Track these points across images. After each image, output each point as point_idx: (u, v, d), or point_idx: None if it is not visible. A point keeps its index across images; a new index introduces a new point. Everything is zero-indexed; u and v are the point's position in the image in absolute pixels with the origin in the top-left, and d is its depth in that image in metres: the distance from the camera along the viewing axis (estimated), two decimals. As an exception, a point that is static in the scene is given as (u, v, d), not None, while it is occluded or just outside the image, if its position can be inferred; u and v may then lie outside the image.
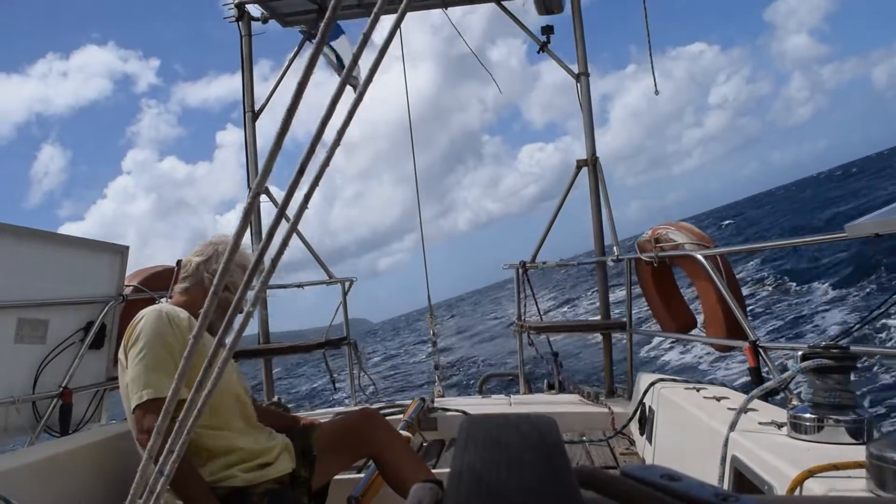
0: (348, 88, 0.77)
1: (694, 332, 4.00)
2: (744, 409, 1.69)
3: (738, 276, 3.68)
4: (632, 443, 3.13)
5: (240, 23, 4.66)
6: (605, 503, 0.41)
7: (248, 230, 4.03)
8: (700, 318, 3.78)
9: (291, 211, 0.78)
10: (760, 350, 2.58)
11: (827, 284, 13.57)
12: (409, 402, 3.66)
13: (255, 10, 4.69)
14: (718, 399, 2.24)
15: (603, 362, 4.23)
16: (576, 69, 4.36)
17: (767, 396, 2.07)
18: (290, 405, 4.21)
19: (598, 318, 4.37)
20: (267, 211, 4.62)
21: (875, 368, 7.49)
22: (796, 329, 11.29)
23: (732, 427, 1.67)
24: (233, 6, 4.63)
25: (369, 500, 2.27)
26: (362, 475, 2.36)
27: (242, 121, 4.72)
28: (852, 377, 1.52)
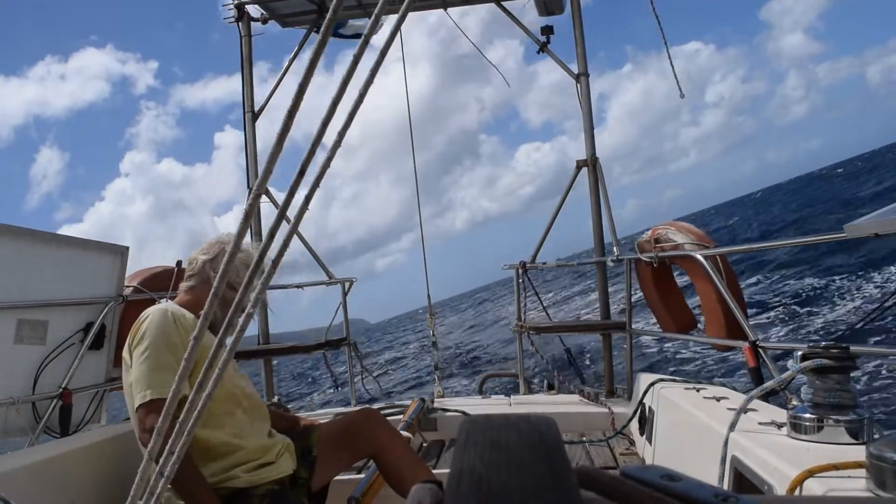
0: (348, 89, 0.77)
1: (694, 332, 4.00)
2: (744, 410, 1.69)
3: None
4: (632, 443, 3.13)
5: (239, 23, 4.66)
6: (605, 504, 0.41)
7: (249, 231, 4.03)
8: (700, 319, 3.78)
9: (292, 212, 0.79)
10: (760, 350, 2.58)
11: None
12: (408, 402, 3.66)
13: (254, 10, 4.69)
14: (718, 399, 2.24)
15: (603, 362, 4.24)
16: (575, 69, 4.36)
17: (767, 396, 2.07)
18: (290, 405, 4.21)
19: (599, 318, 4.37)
20: (267, 212, 4.62)
21: (875, 368, 7.49)
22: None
23: (732, 427, 1.67)
24: (232, 7, 4.63)
25: (370, 500, 2.27)
26: (362, 476, 2.36)
27: (242, 122, 4.73)
28: (852, 377, 1.53)
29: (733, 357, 8.85)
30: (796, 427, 1.54)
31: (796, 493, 1.24)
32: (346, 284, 4.55)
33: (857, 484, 1.19)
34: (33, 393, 2.97)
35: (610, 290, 4.44)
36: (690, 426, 2.17)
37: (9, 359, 2.88)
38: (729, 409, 1.95)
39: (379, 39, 0.79)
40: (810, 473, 1.25)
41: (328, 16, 0.72)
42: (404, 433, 2.72)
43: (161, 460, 0.84)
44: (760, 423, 1.71)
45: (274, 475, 1.99)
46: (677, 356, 11.10)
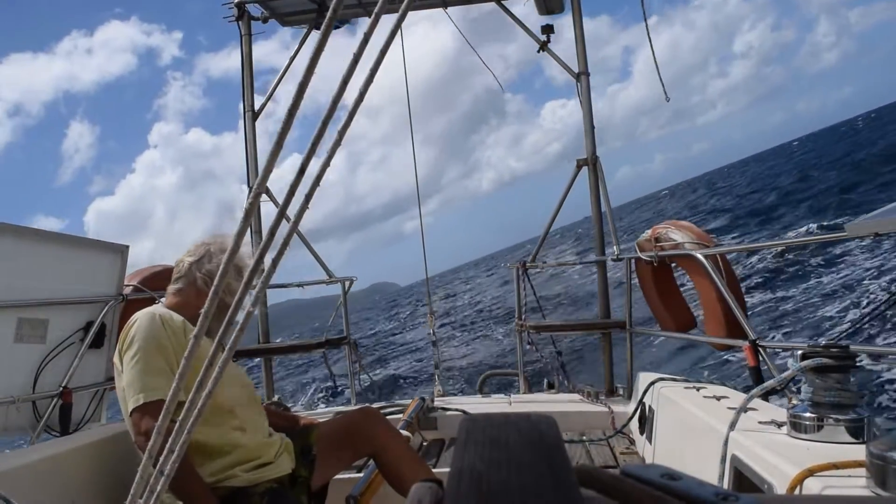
0: (347, 88, 0.77)
1: (694, 331, 4.00)
2: (744, 409, 1.69)
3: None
4: (632, 442, 3.13)
5: (240, 22, 4.65)
6: (606, 502, 0.41)
7: (249, 230, 4.03)
8: (700, 318, 3.78)
9: (292, 211, 0.78)
10: (760, 349, 2.58)
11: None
12: (408, 401, 3.66)
13: (255, 9, 4.69)
14: (718, 398, 2.25)
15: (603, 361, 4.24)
16: (576, 68, 4.36)
17: (767, 396, 2.07)
18: (289, 405, 4.21)
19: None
20: (267, 212, 4.62)
21: (875, 367, 7.50)
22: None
23: (732, 426, 1.67)
24: (233, 6, 4.62)
25: (368, 499, 2.27)
26: (362, 475, 2.36)
27: (242, 120, 4.73)
28: (852, 376, 1.53)
29: (733, 356, 8.85)
30: (796, 426, 1.54)
31: (796, 492, 1.24)
32: (346, 283, 4.55)
33: (858, 483, 1.19)
34: (33, 392, 2.97)
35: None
36: (690, 425, 2.17)
37: (9, 357, 2.88)
38: (729, 408, 1.95)
39: (379, 35, 0.79)
40: (810, 472, 1.25)
41: (328, 14, 0.72)
42: (404, 432, 2.72)
43: (161, 459, 0.84)
44: (760, 423, 1.71)
45: (273, 474, 1.99)
46: (677, 355, 11.11)
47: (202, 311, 0.81)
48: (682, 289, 4.13)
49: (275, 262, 0.77)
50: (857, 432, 1.46)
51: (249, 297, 0.81)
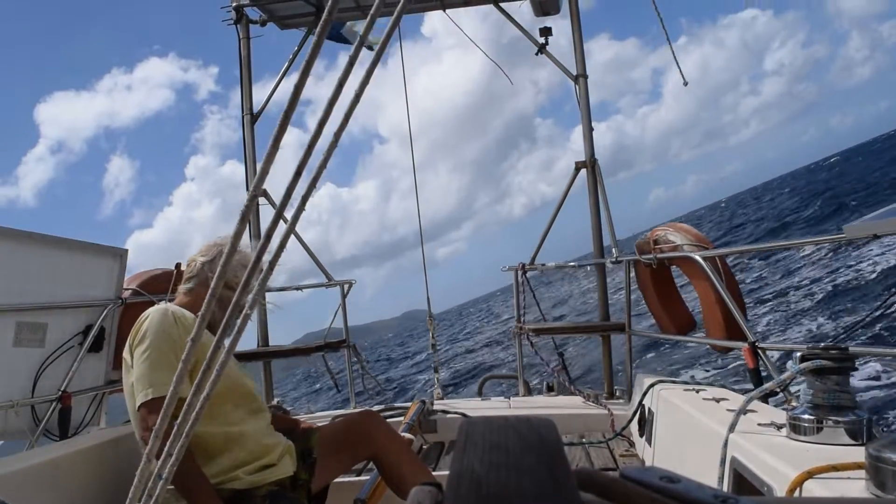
0: (346, 88, 0.77)
1: (693, 333, 4.00)
2: (743, 411, 1.69)
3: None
4: (631, 444, 3.12)
5: (238, 25, 4.66)
6: (605, 505, 0.41)
7: (248, 232, 4.03)
8: (699, 320, 3.78)
9: (289, 213, 0.78)
10: (759, 351, 2.58)
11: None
12: (409, 404, 3.66)
13: (253, 12, 4.70)
14: (718, 400, 2.24)
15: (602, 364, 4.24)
16: (574, 71, 4.36)
17: (767, 398, 2.07)
18: (289, 408, 4.20)
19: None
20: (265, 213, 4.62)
21: (874, 369, 7.50)
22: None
23: (732, 428, 1.66)
24: (231, 9, 4.63)
25: (375, 501, 2.26)
26: (362, 478, 2.36)
27: (241, 123, 4.73)
28: (851, 378, 1.53)
29: (732, 358, 8.86)
30: (796, 428, 1.54)
31: (796, 494, 1.24)
32: (346, 287, 4.55)
33: (857, 485, 1.19)
34: (32, 395, 2.97)
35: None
36: (690, 428, 2.17)
37: (8, 361, 2.87)
38: (728, 410, 1.95)
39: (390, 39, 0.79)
40: (810, 475, 1.25)
41: (323, 17, 0.72)
42: (407, 435, 2.72)
43: (159, 462, 0.84)
44: (760, 425, 1.71)
45: (275, 476, 1.99)
46: (676, 357, 11.11)
47: (200, 312, 0.81)
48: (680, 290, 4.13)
49: (272, 263, 0.77)
50: (857, 434, 1.45)
51: (248, 299, 0.81)
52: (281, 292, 4.74)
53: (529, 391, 4.36)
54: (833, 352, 1.52)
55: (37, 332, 2.99)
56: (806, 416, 1.52)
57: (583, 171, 4.32)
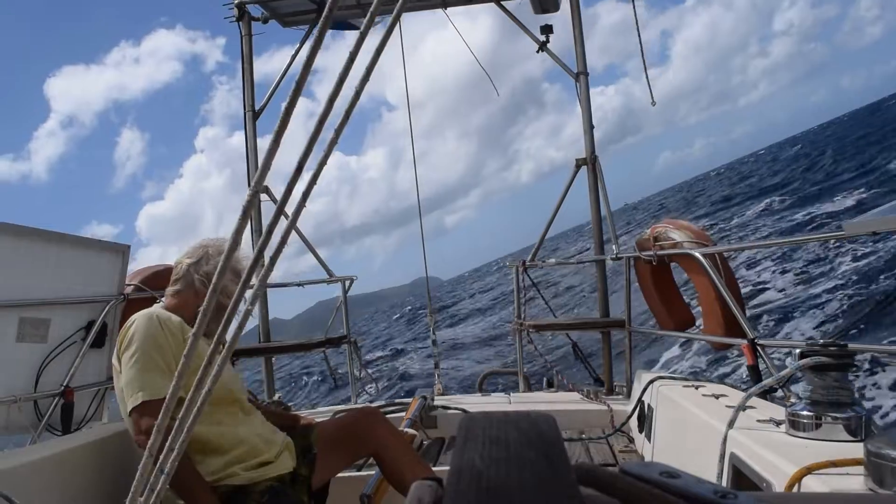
0: (346, 89, 0.77)
1: (692, 330, 4.00)
2: (742, 407, 1.70)
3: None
4: (631, 440, 3.13)
5: (240, 23, 4.66)
6: (605, 501, 0.41)
7: (249, 228, 4.04)
8: (699, 316, 3.78)
9: (290, 208, 0.79)
10: (759, 348, 2.58)
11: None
12: (409, 400, 3.67)
13: (255, 10, 4.69)
14: (717, 397, 2.25)
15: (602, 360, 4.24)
16: (575, 68, 4.36)
17: (766, 394, 2.07)
18: (290, 404, 4.21)
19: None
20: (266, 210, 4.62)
21: (873, 365, 7.50)
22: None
23: (731, 424, 1.67)
24: (233, 6, 4.63)
25: (381, 497, 2.27)
26: (363, 473, 2.36)
27: (243, 119, 4.73)
28: (850, 374, 1.53)
29: (731, 354, 8.86)
30: (795, 424, 1.54)
31: (795, 489, 1.24)
32: (347, 283, 4.56)
33: (856, 481, 1.19)
34: (35, 391, 2.97)
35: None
36: (689, 423, 2.17)
37: (11, 357, 2.88)
38: (728, 406, 1.95)
39: (376, 36, 0.79)
40: (809, 470, 1.25)
41: (324, 13, 0.72)
42: (410, 431, 2.73)
43: (161, 457, 0.84)
44: (759, 421, 1.72)
45: (273, 473, 2.00)
46: (676, 354, 11.11)
47: (201, 308, 0.81)
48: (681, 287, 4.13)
49: (273, 259, 0.77)
50: (856, 430, 1.46)
51: (248, 295, 0.82)
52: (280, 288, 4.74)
53: (529, 387, 4.36)
54: (832, 348, 1.52)
55: (39, 327, 3.00)
56: (805, 413, 1.52)
57: (583, 170, 4.32)
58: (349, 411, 2.60)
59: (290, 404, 4.07)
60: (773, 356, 2.58)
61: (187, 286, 2.14)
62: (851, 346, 1.56)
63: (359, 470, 2.82)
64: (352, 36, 4.90)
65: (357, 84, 0.77)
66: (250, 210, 0.83)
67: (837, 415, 1.48)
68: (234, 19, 4.63)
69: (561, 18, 4.59)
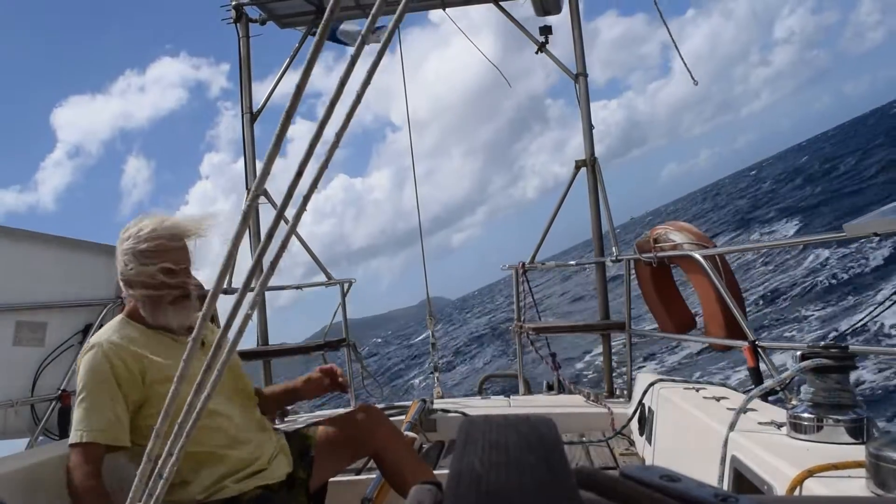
0: (346, 89, 0.77)
1: (693, 332, 4.00)
2: (743, 409, 1.69)
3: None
4: (631, 443, 3.12)
5: (238, 24, 4.66)
6: (605, 504, 0.41)
7: (248, 233, 4.03)
8: (699, 319, 3.78)
9: (290, 213, 0.78)
10: (760, 350, 2.58)
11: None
12: (408, 403, 3.66)
13: (252, 11, 4.70)
14: (718, 399, 2.24)
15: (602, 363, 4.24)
16: (574, 69, 4.36)
17: (767, 396, 2.07)
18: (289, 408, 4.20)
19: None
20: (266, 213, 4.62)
21: (874, 367, 7.50)
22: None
23: (732, 427, 1.67)
24: (231, 7, 4.63)
25: (382, 499, 2.25)
26: (363, 476, 2.35)
27: (241, 122, 4.73)
28: (851, 377, 1.53)
29: (732, 357, 8.86)
30: (796, 427, 1.54)
31: (796, 492, 1.24)
32: (346, 285, 4.55)
33: (857, 484, 1.19)
34: (32, 394, 2.97)
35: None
36: (690, 426, 2.17)
37: (7, 360, 2.87)
38: (728, 408, 1.95)
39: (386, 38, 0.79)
40: (810, 473, 1.25)
41: (325, 16, 0.72)
42: (410, 434, 2.72)
43: (160, 462, 0.84)
44: (760, 423, 1.71)
45: (266, 481, 1.96)
46: (676, 356, 11.11)
47: (200, 313, 0.81)
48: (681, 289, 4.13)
49: (273, 263, 0.77)
50: (857, 433, 1.46)
51: (248, 299, 0.81)
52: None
53: (529, 390, 4.36)
54: (833, 350, 1.52)
55: (36, 331, 2.99)
56: (806, 415, 1.52)
57: (583, 171, 4.32)
58: (348, 412, 2.59)
59: (288, 408, 4.06)
60: (773, 358, 2.59)
61: (126, 285, 2.01)
62: (853, 347, 1.55)
63: (358, 473, 2.81)
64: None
65: (358, 87, 0.77)
66: (250, 214, 0.83)
67: (839, 417, 1.47)
68: (232, 21, 4.63)
69: (561, 21, 4.59)
